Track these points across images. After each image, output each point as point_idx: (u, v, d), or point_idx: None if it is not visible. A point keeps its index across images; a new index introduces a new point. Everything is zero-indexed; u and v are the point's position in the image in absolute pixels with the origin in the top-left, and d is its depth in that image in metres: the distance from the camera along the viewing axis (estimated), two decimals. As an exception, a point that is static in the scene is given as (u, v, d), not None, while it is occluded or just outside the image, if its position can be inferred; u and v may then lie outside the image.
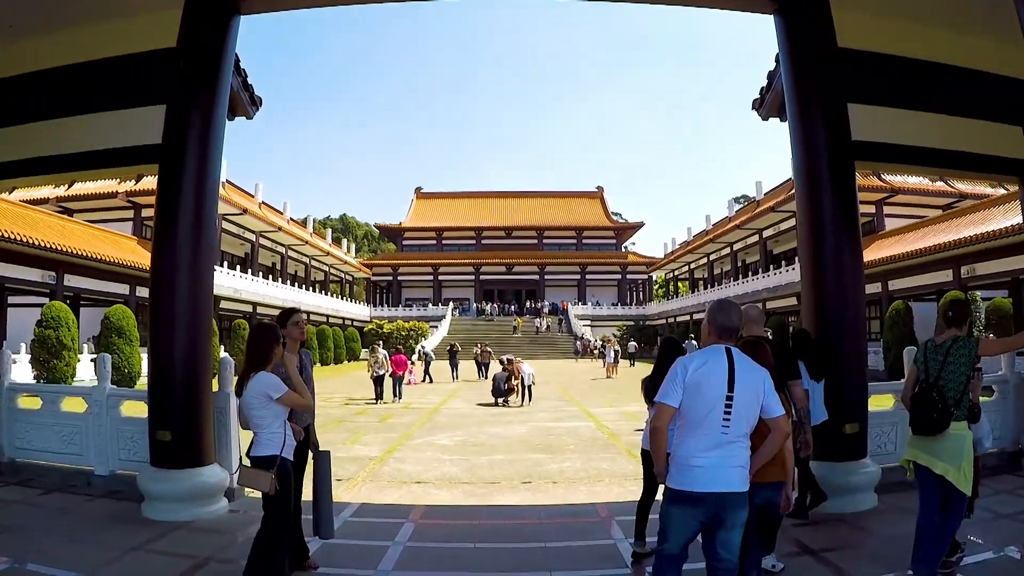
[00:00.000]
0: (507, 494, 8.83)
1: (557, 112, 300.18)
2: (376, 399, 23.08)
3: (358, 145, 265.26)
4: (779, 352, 5.42)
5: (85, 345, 28.57)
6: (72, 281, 29.19)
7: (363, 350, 47.69)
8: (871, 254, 34.40)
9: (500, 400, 21.19)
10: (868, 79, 8.34)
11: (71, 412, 9.07)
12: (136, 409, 8.37)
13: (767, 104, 10.02)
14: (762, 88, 10.12)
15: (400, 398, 23.51)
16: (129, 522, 7.04)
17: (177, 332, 7.80)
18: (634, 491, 8.94)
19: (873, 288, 34.35)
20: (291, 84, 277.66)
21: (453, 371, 34.35)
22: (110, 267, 30.08)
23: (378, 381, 23.56)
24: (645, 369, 37.75)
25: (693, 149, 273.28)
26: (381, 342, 27.02)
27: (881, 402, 8.94)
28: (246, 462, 4.95)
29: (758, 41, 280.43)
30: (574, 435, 14.15)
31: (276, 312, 45.98)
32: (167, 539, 6.47)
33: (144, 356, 30.14)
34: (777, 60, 9.24)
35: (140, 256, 33.58)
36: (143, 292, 33.04)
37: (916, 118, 8.52)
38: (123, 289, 32.38)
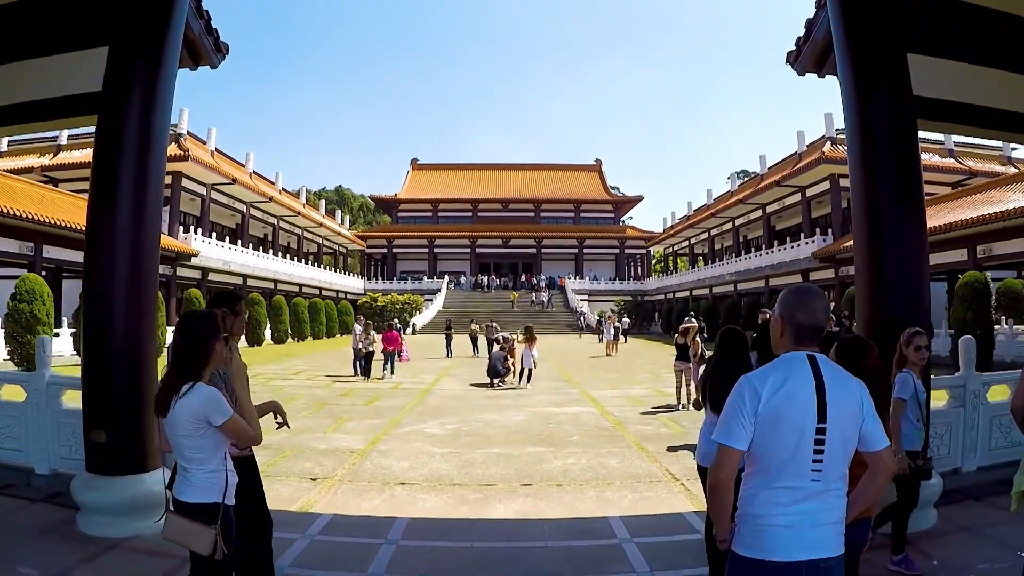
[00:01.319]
0: (505, 501, 7.67)
1: (557, 85, 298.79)
2: (364, 375, 22.26)
3: (356, 117, 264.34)
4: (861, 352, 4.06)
5: (65, 320, 27.48)
6: (52, 252, 28.17)
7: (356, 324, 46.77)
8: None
9: (496, 381, 19.97)
10: (929, 26, 7.16)
11: (12, 401, 7.85)
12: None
13: (804, 57, 8.86)
14: (799, 39, 8.92)
15: (392, 374, 22.63)
16: (62, 538, 5.95)
17: (115, 310, 6.62)
18: (649, 497, 7.86)
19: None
20: (289, 55, 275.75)
21: (448, 347, 33.14)
22: (91, 237, 28.68)
23: (368, 357, 22.66)
24: (639, 346, 36.77)
25: (693, 124, 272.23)
26: (362, 318, 25.65)
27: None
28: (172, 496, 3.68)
29: (761, 11, 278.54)
30: (577, 423, 12.97)
31: (267, 285, 45.75)
32: (98, 564, 5.39)
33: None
34: (820, 4, 8.07)
35: (124, 226, 32.27)
36: (129, 263, 31.94)
37: (983, 76, 7.34)
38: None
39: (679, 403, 15.08)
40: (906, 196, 6.76)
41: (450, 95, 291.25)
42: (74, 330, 25.89)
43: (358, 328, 23.54)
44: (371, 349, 22.86)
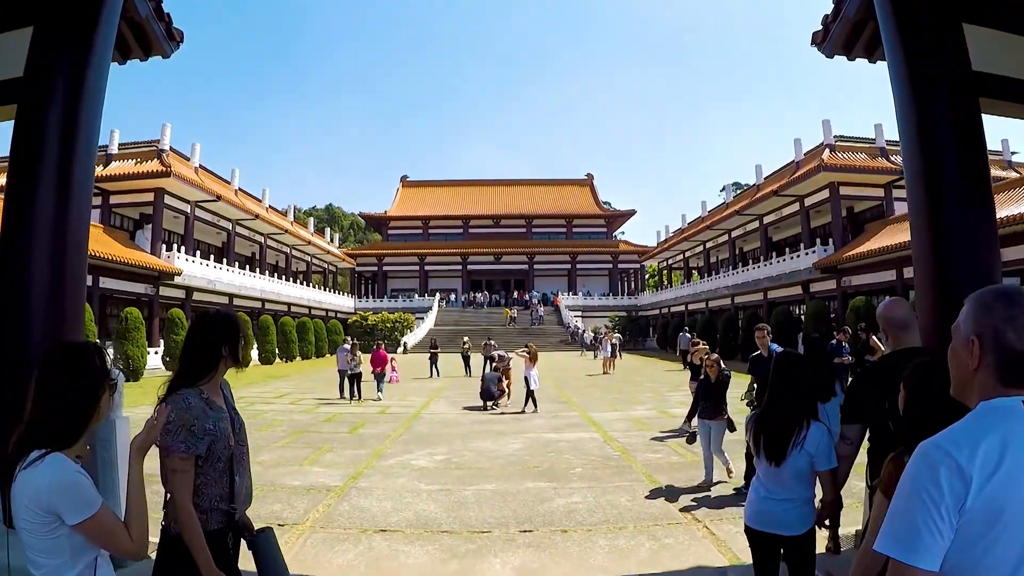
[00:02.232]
0: (503, 553, 6.51)
1: (547, 100, 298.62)
2: (349, 398, 21.30)
3: (346, 135, 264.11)
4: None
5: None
6: None
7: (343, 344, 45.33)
8: (883, 240, 32.60)
9: (490, 403, 18.73)
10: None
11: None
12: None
13: (833, 37, 7.81)
14: (826, 17, 7.89)
15: (380, 396, 21.61)
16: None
17: (32, 335, 5.51)
18: (670, 546, 6.70)
19: (887, 276, 32.50)
20: (279, 73, 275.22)
21: (432, 368, 32.04)
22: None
23: (355, 379, 21.62)
24: (635, 362, 35.51)
25: (684, 137, 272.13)
26: (348, 338, 24.70)
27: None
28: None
29: (754, 22, 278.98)
30: (579, 452, 11.80)
31: (254, 304, 44.52)
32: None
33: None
34: (854, -26, 7.04)
35: (103, 245, 31.37)
36: (109, 283, 31.03)
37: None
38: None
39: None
40: (973, 187, 5.67)
41: (441, 112, 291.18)
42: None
43: (344, 348, 22.56)
44: (358, 370, 21.81)
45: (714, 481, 9.21)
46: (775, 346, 9.41)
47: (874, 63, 7.76)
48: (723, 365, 10.06)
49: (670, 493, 8.77)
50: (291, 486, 9.42)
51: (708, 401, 9.67)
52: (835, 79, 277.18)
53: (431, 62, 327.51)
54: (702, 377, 10.24)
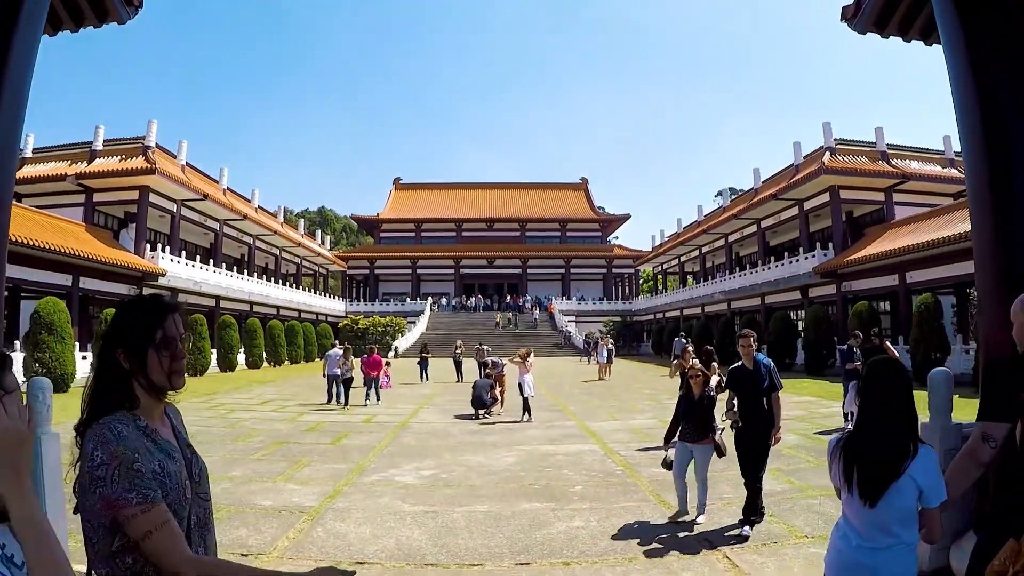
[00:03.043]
0: (495, 593, 5.64)
1: (541, 103, 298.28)
2: (341, 403, 20.55)
3: (339, 137, 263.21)
4: None
5: (18, 343, 25.62)
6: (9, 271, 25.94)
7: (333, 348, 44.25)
8: (885, 244, 31.91)
9: (482, 412, 17.81)
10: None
11: None
12: None
13: (866, 11, 6.95)
14: (857, -11, 7.03)
15: (378, 400, 21.16)
16: None
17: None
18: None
19: (888, 281, 31.78)
20: (271, 74, 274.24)
21: (423, 372, 31.23)
22: (47, 255, 26.74)
23: (347, 384, 20.81)
24: (631, 368, 34.56)
25: (679, 142, 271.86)
26: (338, 343, 23.97)
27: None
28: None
29: (746, 26, 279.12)
30: (579, 466, 10.91)
31: (241, 307, 43.59)
32: None
33: (79, 355, 27.14)
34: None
35: (84, 243, 30.52)
36: (89, 283, 30.07)
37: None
38: (64, 280, 29.22)
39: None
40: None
41: (434, 114, 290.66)
42: (25, 354, 23.93)
43: (335, 352, 21.77)
44: (350, 375, 21.01)
45: (690, 514, 7.86)
46: (761, 356, 7.88)
47: (908, 41, 6.98)
48: (719, 377, 9.18)
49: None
50: (261, 507, 8.50)
51: (690, 420, 8.10)
52: (833, 83, 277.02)
53: (425, 64, 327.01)
54: (682, 392, 8.62)
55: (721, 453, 8.09)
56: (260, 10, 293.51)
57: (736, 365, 7.96)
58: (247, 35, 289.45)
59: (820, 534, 7.04)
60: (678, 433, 8.26)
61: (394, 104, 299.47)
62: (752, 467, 7.57)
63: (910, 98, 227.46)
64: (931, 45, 6.69)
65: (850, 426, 12.41)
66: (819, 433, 14.00)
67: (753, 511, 7.41)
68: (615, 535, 7.20)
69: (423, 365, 31.51)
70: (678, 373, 13.89)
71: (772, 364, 7.90)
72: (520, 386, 17.52)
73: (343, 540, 7.09)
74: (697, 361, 15.26)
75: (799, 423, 15.53)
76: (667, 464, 8.41)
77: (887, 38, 7.13)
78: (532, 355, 18.39)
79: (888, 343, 15.81)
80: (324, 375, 21.73)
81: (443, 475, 10.42)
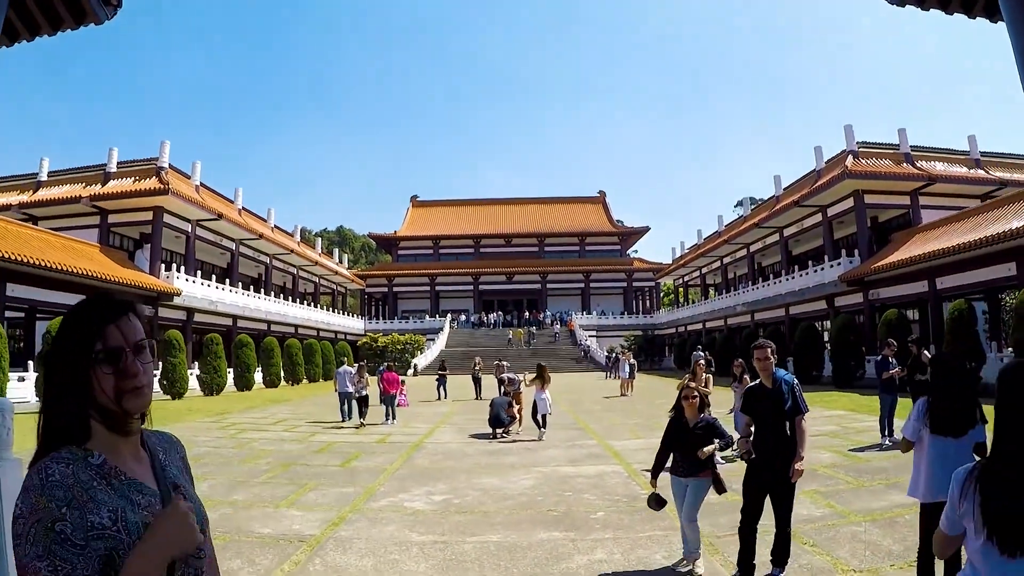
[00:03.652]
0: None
1: (557, 118, 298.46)
2: (353, 420, 20.45)
3: (356, 156, 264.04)
4: None
5: (31, 363, 25.38)
6: (18, 291, 26.10)
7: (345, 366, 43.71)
8: (913, 249, 31.06)
9: (499, 431, 17.04)
10: None
11: None
12: None
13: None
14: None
15: (394, 419, 20.47)
16: None
17: None
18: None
19: (917, 288, 30.93)
20: (289, 95, 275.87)
21: (440, 390, 30.79)
22: (60, 276, 26.47)
23: (362, 402, 20.48)
24: (653, 382, 33.70)
25: (695, 154, 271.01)
26: (345, 358, 23.65)
27: None
28: None
29: (763, 37, 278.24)
30: (601, 490, 10.20)
31: (259, 326, 43.23)
32: None
33: (91, 378, 26.70)
34: None
35: (98, 264, 30.23)
36: (102, 305, 29.62)
37: None
38: (77, 300, 28.69)
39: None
40: None
41: (451, 131, 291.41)
42: (38, 373, 23.58)
43: (346, 369, 21.46)
44: (364, 393, 20.61)
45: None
46: (782, 372, 6.43)
47: (973, 18, 6.46)
48: (709, 390, 8.41)
49: (714, 544, 7.19)
50: (259, 534, 7.92)
51: (681, 451, 6.81)
52: (852, 88, 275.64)
53: (442, 81, 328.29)
54: (672, 413, 7.08)
55: (721, 489, 6.73)
56: (275, 30, 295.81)
57: (753, 384, 6.58)
58: (262, 56, 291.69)
59: (869, 567, 6.37)
60: (669, 465, 6.95)
61: (411, 122, 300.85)
62: (780, 508, 6.17)
63: (930, 99, 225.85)
64: (996, 22, 6.11)
65: (888, 441, 11.60)
66: (855, 450, 13.24)
67: (784, 556, 6.25)
68: (641, 572, 6.53)
69: (441, 382, 31.07)
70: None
71: (796, 381, 6.37)
72: (535, 404, 16.86)
73: (341, 574, 6.49)
74: (705, 376, 14.57)
75: (832, 439, 14.78)
76: (654, 503, 6.79)
77: (927, 10, 6.62)
78: (547, 372, 17.61)
79: (925, 352, 14.98)
80: (336, 391, 21.45)
81: (455, 500, 9.77)
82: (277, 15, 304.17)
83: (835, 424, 17.51)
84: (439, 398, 29.90)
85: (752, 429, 6.46)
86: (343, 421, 20.84)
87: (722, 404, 16.97)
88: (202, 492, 10.56)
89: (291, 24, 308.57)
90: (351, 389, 20.73)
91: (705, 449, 6.55)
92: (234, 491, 10.43)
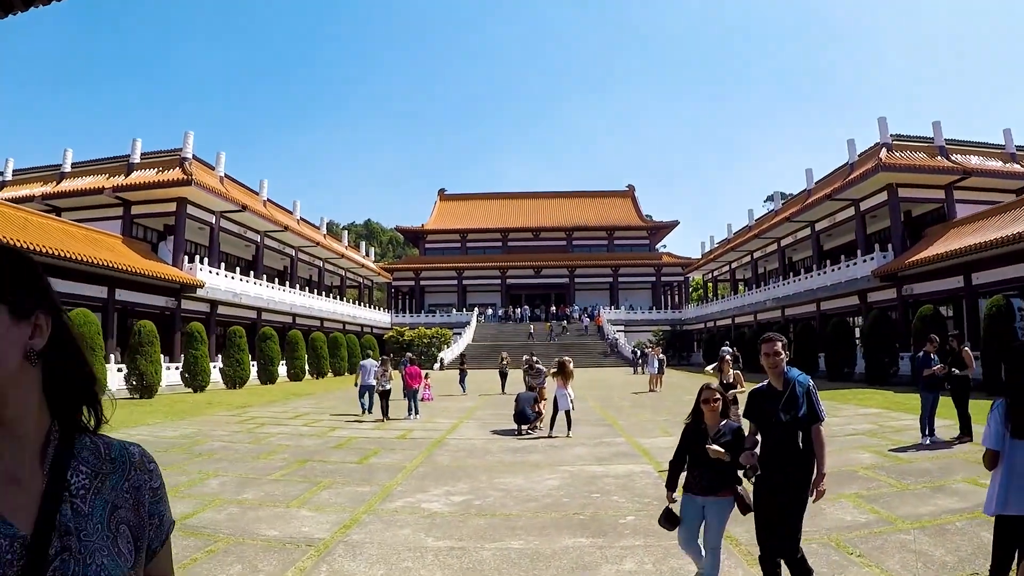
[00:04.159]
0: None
1: (586, 112, 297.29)
2: (371, 413, 20.33)
3: (385, 150, 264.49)
4: None
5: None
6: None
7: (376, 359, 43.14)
8: (949, 244, 30.20)
9: (524, 427, 16.44)
10: None
11: None
12: None
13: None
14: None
15: (417, 414, 20.07)
16: None
17: None
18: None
19: (952, 283, 30.07)
20: (318, 91, 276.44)
21: (461, 383, 30.41)
22: (81, 267, 26.20)
23: (384, 396, 19.97)
24: (681, 378, 32.91)
25: (725, 149, 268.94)
26: (371, 351, 23.34)
27: None
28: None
29: (793, 30, 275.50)
30: (630, 492, 9.57)
31: (284, 319, 42.92)
32: None
33: (109, 369, 26.55)
34: None
35: (120, 256, 29.92)
36: (126, 295, 29.48)
37: None
38: (100, 292, 28.70)
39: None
40: None
41: (479, 125, 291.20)
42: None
43: (369, 363, 21.22)
44: (388, 387, 20.13)
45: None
46: (795, 372, 5.35)
47: None
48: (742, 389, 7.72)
49: (752, 555, 6.56)
50: (265, 537, 7.40)
51: (698, 466, 5.60)
52: (883, 81, 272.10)
53: (470, 76, 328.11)
54: (688, 421, 5.89)
55: (746, 509, 5.47)
56: (301, 25, 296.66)
57: (760, 386, 5.48)
58: (291, 51, 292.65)
59: (923, 580, 5.76)
60: (682, 481, 5.79)
61: (439, 115, 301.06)
62: (784, 535, 5.12)
63: (962, 93, 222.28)
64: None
65: (928, 440, 10.94)
66: (895, 450, 12.51)
67: None
68: (677, 582, 5.94)
69: (462, 376, 30.80)
70: (721, 382, 12.56)
71: (811, 383, 5.27)
72: (555, 400, 16.17)
73: (348, 587, 5.96)
74: (733, 372, 13.84)
75: (870, 438, 14.08)
76: (665, 521, 5.65)
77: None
78: (571, 365, 16.88)
79: (967, 348, 14.24)
80: (356, 384, 21.36)
81: (476, 501, 9.18)
82: (304, 10, 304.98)
83: (871, 422, 16.81)
84: (462, 392, 29.51)
85: (758, 438, 5.37)
86: (363, 414, 20.61)
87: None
88: (211, 490, 10.18)
89: (319, 18, 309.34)
90: (373, 382, 20.42)
91: (714, 447, 5.33)
92: (244, 488, 9.96)
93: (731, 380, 13.11)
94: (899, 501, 8.70)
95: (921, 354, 14.23)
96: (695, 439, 5.60)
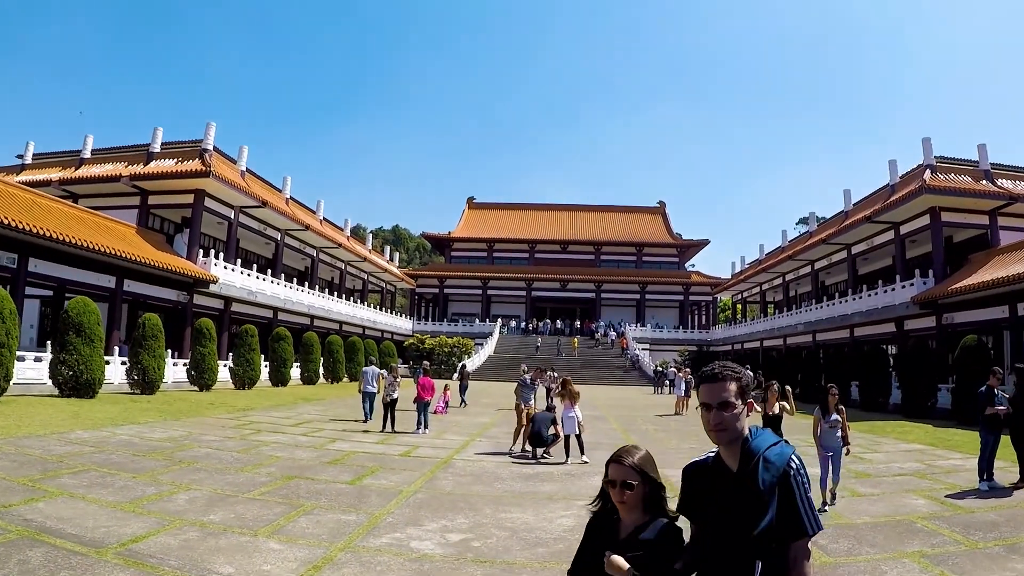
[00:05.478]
0: None
1: (617, 127, 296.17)
2: (379, 422, 19.33)
3: (415, 156, 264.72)
4: None
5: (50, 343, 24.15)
6: (42, 268, 25.06)
7: (400, 366, 42.23)
8: (994, 271, 28.77)
9: (540, 451, 14.84)
10: None
11: None
12: None
13: None
14: None
15: (427, 428, 18.75)
16: None
17: None
18: None
19: (996, 313, 28.55)
20: (351, 94, 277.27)
21: (461, 395, 29.02)
22: (88, 254, 25.25)
23: (391, 406, 19.01)
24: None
25: (758, 167, 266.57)
26: (372, 359, 22.38)
27: None
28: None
29: (830, 50, 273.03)
30: (657, 536, 8.11)
31: (301, 320, 41.77)
32: None
33: (112, 362, 25.58)
34: None
35: (132, 245, 28.94)
36: (135, 287, 28.51)
37: None
38: (108, 281, 27.77)
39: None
40: None
41: (510, 135, 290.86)
42: (52, 356, 22.13)
43: (372, 369, 20.84)
44: (394, 396, 19.04)
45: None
46: (765, 438, 2.81)
47: None
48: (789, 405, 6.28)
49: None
50: (219, 575, 6.09)
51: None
52: (921, 111, 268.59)
53: (502, 85, 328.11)
54: (594, 508, 3.25)
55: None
56: (331, 30, 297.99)
57: (699, 460, 3.01)
58: (325, 56, 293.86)
59: None
60: None
61: (470, 124, 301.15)
62: None
63: (1002, 118, 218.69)
64: None
65: (986, 486, 9.47)
66: (952, 496, 10.99)
67: None
68: None
69: (462, 389, 29.40)
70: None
71: (794, 462, 2.73)
72: (562, 421, 14.70)
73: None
74: (779, 404, 12.05)
75: (921, 480, 12.59)
76: None
77: None
78: (572, 387, 15.31)
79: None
80: (359, 391, 20.86)
81: (475, 543, 7.69)
82: (333, 14, 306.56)
83: (917, 460, 15.32)
84: (460, 405, 28.17)
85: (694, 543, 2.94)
86: (365, 421, 20.05)
87: (801, 431, 14.96)
88: (176, 507, 8.55)
89: (347, 25, 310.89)
90: (374, 389, 20.09)
91: (615, 559, 2.84)
92: (214, 507, 8.65)
93: (776, 412, 11.40)
94: (971, 563, 7.30)
95: (984, 389, 12.68)
96: (598, 539, 3.12)
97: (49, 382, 21.98)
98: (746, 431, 2.82)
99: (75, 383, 21.34)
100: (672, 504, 2.98)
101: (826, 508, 9.82)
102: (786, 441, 2.84)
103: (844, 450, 10.48)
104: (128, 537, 7.10)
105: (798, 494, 2.67)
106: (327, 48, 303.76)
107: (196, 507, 8.63)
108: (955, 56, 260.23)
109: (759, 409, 11.35)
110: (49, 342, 23.46)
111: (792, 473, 2.69)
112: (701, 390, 2.88)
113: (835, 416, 10.39)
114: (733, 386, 2.84)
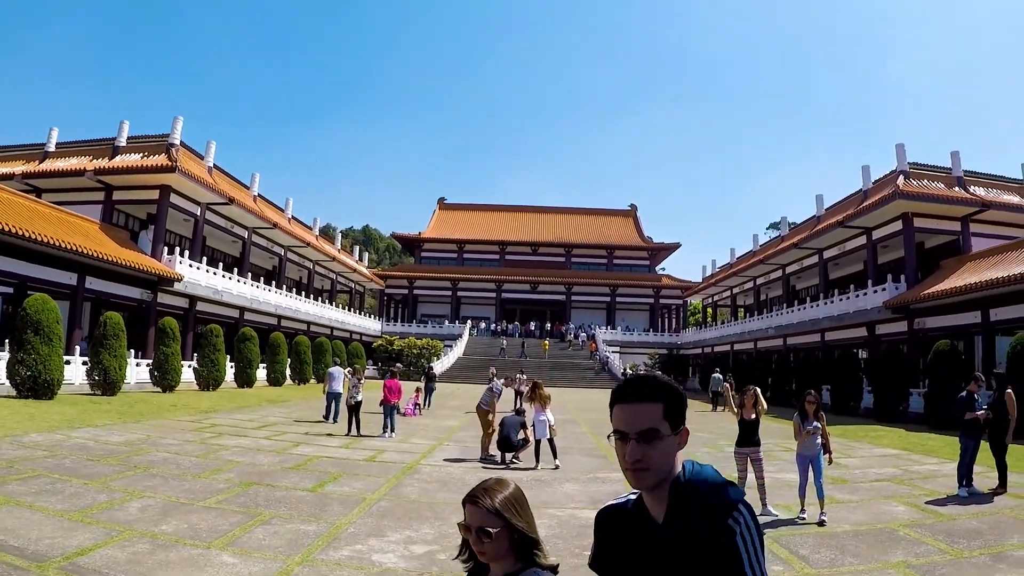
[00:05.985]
0: None
1: (590, 130, 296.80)
2: (344, 424, 19.00)
3: (385, 156, 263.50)
4: None
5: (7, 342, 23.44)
6: (2, 264, 24.38)
7: (369, 367, 41.87)
8: (966, 277, 28.83)
9: (510, 458, 14.51)
10: None
11: None
12: None
13: None
14: None
15: (393, 432, 18.28)
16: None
17: None
18: None
19: (969, 319, 28.74)
20: (322, 92, 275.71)
21: (427, 397, 28.47)
22: (48, 250, 24.62)
23: (355, 409, 18.51)
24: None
25: (730, 172, 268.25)
26: (338, 359, 22.23)
27: None
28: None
29: (801, 56, 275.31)
30: (631, 549, 7.82)
31: (268, 320, 41.06)
32: None
33: (73, 362, 24.97)
34: None
35: (94, 242, 28.26)
36: (97, 284, 27.86)
37: None
38: (68, 278, 27.05)
39: (765, 507, 10.09)
40: None
41: (482, 136, 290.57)
42: (9, 355, 21.48)
43: (337, 370, 20.79)
44: (358, 399, 18.57)
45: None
46: (705, 472, 1.99)
47: None
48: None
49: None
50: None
51: None
52: (896, 116, 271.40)
53: (474, 87, 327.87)
54: (467, 565, 2.34)
55: None
56: (305, 31, 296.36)
57: (614, 504, 2.21)
58: (298, 54, 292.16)
59: None
60: None
61: (444, 124, 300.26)
62: None
63: (979, 126, 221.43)
64: None
65: (965, 492, 9.25)
66: (932, 503, 10.82)
67: None
68: None
69: (428, 393, 28.88)
70: (715, 406, 10.82)
71: (747, 521, 1.86)
72: (533, 425, 14.48)
73: None
74: (757, 405, 11.66)
75: (899, 486, 12.42)
76: None
77: None
78: (542, 390, 14.94)
79: (1010, 392, 12.50)
80: (324, 392, 20.82)
81: (441, 555, 7.30)
82: (309, 12, 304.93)
83: (893, 466, 15.18)
84: (428, 406, 27.88)
85: None
86: (325, 419, 20.32)
87: (773, 435, 14.69)
88: (127, 516, 7.87)
89: (322, 23, 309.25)
90: (340, 390, 19.99)
91: None
92: (167, 517, 8.23)
93: (754, 418, 10.83)
94: (957, 573, 7.15)
95: (964, 394, 12.53)
96: None
97: (6, 383, 21.31)
98: (678, 468, 2.00)
99: (33, 384, 20.67)
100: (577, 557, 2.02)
101: (804, 516, 9.62)
102: (733, 483, 1.99)
103: (826, 459, 10.17)
104: (73, 550, 6.70)
105: (746, 559, 1.84)
106: (301, 46, 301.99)
107: (148, 516, 8.22)
108: (930, 63, 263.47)
109: (736, 412, 11.04)
110: (7, 341, 22.84)
111: (739, 531, 1.86)
112: (615, 412, 2.04)
113: (815, 423, 10.12)
114: (660, 408, 2.01)
